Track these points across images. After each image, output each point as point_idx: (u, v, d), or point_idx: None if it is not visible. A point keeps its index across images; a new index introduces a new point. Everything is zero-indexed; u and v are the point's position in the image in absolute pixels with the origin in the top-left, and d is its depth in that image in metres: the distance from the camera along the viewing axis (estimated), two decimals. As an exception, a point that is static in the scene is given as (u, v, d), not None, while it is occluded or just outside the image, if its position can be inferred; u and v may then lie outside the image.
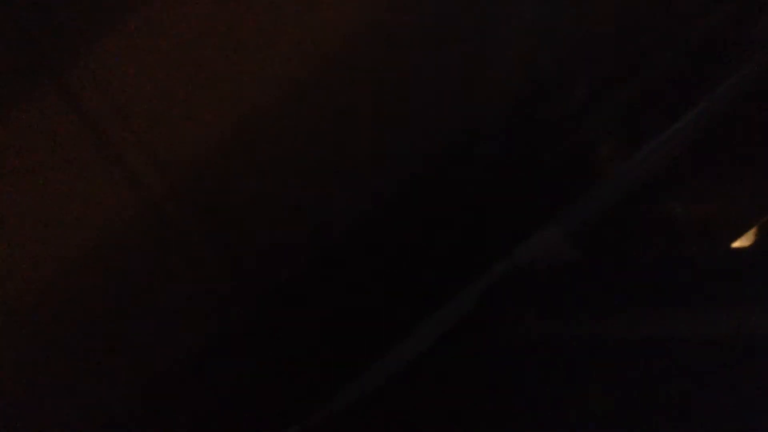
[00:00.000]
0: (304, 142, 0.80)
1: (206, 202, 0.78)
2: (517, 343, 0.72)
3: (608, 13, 0.87)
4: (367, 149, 0.83)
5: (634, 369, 0.71)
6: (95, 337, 0.77)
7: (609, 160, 0.93)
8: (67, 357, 0.77)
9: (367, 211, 0.84)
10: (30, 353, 0.75)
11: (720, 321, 0.71)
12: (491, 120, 0.88)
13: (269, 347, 0.87)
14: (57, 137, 0.71)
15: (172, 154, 0.75)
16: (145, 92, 0.73)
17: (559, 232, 0.90)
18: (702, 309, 0.73)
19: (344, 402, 0.85)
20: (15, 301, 0.73)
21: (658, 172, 0.99)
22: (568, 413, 0.70)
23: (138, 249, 0.76)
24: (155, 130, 0.74)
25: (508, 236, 0.89)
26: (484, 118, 0.87)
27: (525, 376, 0.71)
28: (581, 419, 0.69)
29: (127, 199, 0.74)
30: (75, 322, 0.76)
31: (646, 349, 0.72)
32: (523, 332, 0.73)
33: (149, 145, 0.74)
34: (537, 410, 0.71)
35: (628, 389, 0.70)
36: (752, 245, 1.09)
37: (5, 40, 0.70)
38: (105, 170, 0.73)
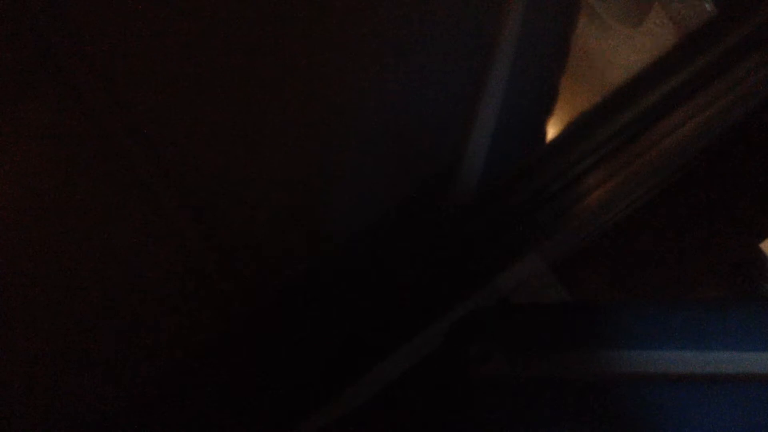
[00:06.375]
0: (309, 152, 0.80)
1: (207, 203, 0.78)
2: (483, 383, 0.72)
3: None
4: (370, 166, 0.83)
5: (601, 411, 0.70)
6: (93, 335, 0.78)
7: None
8: (65, 354, 0.78)
9: (364, 224, 0.85)
10: (27, 348, 0.76)
11: (693, 361, 0.71)
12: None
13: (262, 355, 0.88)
14: (60, 132, 0.72)
15: (175, 154, 0.75)
16: (150, 91, 0.73)
17: (532, 266, 0.89)
18: (673, 350, 0.72)
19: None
20: (12, 295, 0.74)
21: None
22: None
23: (136, 246, 0.77)
24: (159, 128, 0.74)
25: (483, 271, 0.89)
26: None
27: (488, 418, 0.71)
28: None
29: (127, 195, 0.75)
30: (73, 317, 0.77)
31: (610, 390, 0.71)
32: (491, 372, 0.73)
33: (152, 143, 0.75)
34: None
35: None
36: (724, 291, 1.08)
37: (12, 34, 0.71)
38: (107, 166, 0.74)
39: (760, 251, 1.28)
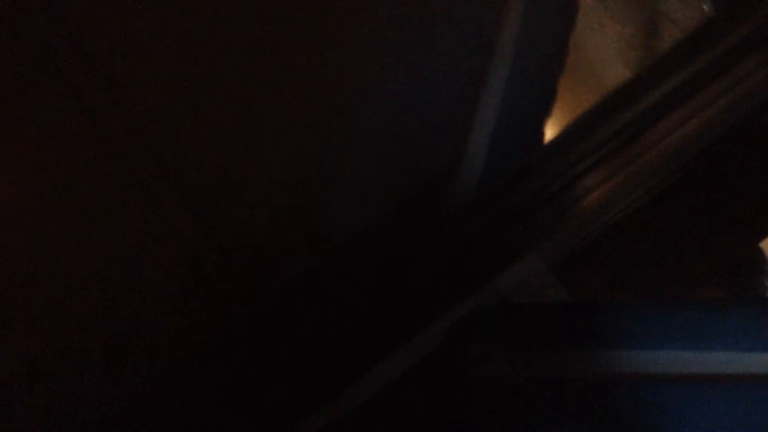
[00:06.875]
0: (309, 152, 0.80)
1: (207, 203, 0.78)
2: (483, 383, 0.72)
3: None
4: (368, 168, 0.83)
5: (601, 411, 0.70)
6: (93, 335, 0.78)
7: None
8: (65, 354, 0.77)
9: (364, 224, 0.85)
10: (27, 348, 0.76)
11: (693, 361, 0.71)
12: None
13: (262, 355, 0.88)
14: (60, 132, 0.72)
15: (175, 154, 0.75)
16: (150, 90, 0.74)
17: (533, 266, 0.89)
18: (673, 350, 0.72)
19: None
20: (12, 295, 0.74)
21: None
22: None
23: (136, 246, 0.77)
24: (159, 128, 0.74)
25: (483, 271, 0.89)
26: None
27: (488, 418, 0.71)
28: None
29: (127, 195, 0.75)
30: (73, 317, 0.77)
31: (611, 391, 0.71)
32: (491, 372, 0.73)
33: (152, 143, 0.75)
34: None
35: None
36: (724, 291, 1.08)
37: (12, 34, 0.71)
38: (107, 166, 0.74)
39: (760, 251, 1.29)
